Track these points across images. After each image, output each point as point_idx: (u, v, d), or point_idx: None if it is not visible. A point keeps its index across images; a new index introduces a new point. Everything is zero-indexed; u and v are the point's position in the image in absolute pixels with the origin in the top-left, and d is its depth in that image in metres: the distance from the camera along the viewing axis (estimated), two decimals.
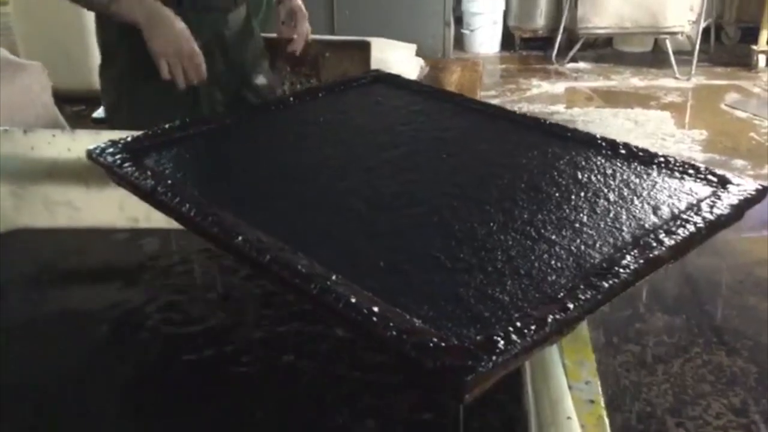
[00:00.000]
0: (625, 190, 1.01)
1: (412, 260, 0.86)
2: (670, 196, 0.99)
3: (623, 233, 0.90)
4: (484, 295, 0.78)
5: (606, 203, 0.97)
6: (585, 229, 0.92)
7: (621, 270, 0.81)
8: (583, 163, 1.10)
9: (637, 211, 0.95)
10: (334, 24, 4.76)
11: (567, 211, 0.96)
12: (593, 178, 1.05)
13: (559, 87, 5.01)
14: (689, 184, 1.03)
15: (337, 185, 1.06)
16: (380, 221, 0.96)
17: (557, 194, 1.01)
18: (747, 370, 2.35)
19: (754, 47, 5.10)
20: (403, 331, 0.71)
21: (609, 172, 1.07)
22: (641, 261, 0.83)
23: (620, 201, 0.98)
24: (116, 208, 1.37)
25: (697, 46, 5.06)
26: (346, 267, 0.82)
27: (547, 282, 0.81)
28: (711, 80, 5.06)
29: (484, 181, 1.08)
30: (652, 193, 1.00)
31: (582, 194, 1.00)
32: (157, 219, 1.28)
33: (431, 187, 1.06)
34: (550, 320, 0.73)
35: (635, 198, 0.99)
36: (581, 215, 0.95)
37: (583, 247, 0.87)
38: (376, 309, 0.74)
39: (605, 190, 1.01)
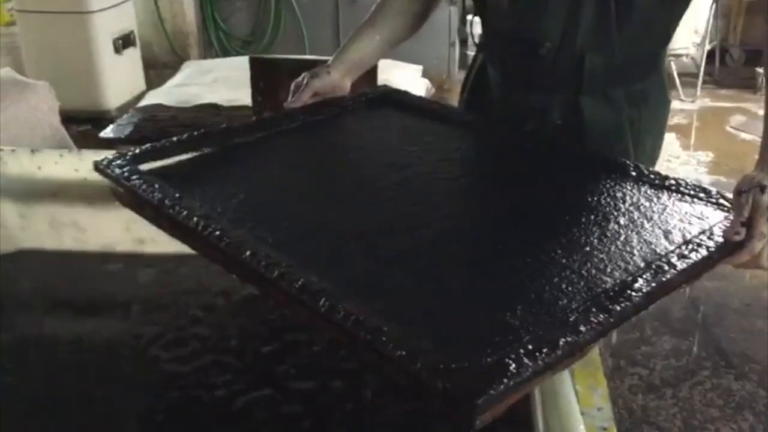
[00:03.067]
0: (636, 213, 1.00)
1: (421, 284, 0.85)
2: (681, 220, 0.98)
3: (634, 257, 0.89)
4: (494, 319, 0.77)
5: (617, 227, 0.96)
6: (595, 252, 0.91)
7: (633, 293, 0.80)
8: (593, 185, 1.09)
9: (648, 235, 0.94)
10: (340, 44, 4.77)
11: (577, 234, 0.95)
12: (603, 201, 1.04)
13: None
14: (700, 207, 1.02)
15: (345, 207, 1.05)
16: (388, 244, 0.94)
17: (567, 217, 1.00)
18: (756, 394, 2.32)
19: (759, 70, 5.10)
20: (413, 352, 0.70)
21: (619, 195, 1.06)
22: (653, 284, 0.82)
23: (631, 225, 0.97)
24: (122, 229, 1.37)
25: (702, 69, 5.07)
26: (352, 290, 0.80)
27: (558, 306, 0.80)
28: (716, 102, 5.06)
29: (493, 204, 1.08)
30: (662, 216, 0.99)
31: (592, 217, 0.99)
32: (163, 241, 1.27)
33: (440, 210, 1.05)
34: (561, 343, 0.72)
35: (645, 221, 0.98)
36: (592, 239, 0.94)
37: (594, 271, 0.86)
38: (385, 328, 0.72)
39: (615, 214, 1.00)
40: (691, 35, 5.00)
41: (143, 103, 2.76)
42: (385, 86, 1.49)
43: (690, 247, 0.90)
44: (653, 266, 0.86)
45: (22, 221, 1.39)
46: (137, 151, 1.12)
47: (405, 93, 1.45)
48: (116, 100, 4.38)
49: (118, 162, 1.08)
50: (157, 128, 2.53)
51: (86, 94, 4.26)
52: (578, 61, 1.25)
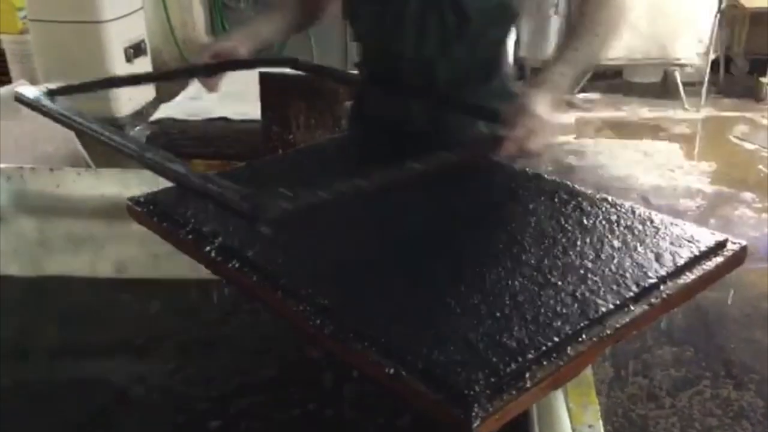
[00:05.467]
0: (629, 236, 1.05)
1: (421, 306, 0.90)
2: (672, 243, 1.03)
3: (626, 280, 0.94)
4: (493, 341, 0.82)
5: (610, 250, 1.01)
6: (590, 275, 0.95)
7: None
8: (589, 208, 1.14)
9: (641, 258, 0.99)
10: (347, 57, 4.83)
11: (573, 257, 1.00)
12: (598, 224, 1.09)
13: (569, 117, 5.04)
14: (691, 230, 1.06)
15: (345, 229, 1.09)
16: (389, 267, 0.99)
17: (564, 240, 1.04)
18: (755, 404, 2.35)
19: (763, 79, 5.12)
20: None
21: (614, 218, 1.10)
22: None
23: (624, 247, 1.02)
24: (138, 245, 1.42)
25: (707, 78, 5.10)
26: (353, 313, 0.86)
27: (552, 328, 0.85)
28: (720, 112, 5.08)
29: (492, 226, 1.12)
30: (655, 240, 1.04)
31: (588, 240, 1.04)
32: (178, 255, 1.32)
33: (440, 234, 1.09)
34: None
35: (639, 245, 1.02)
36: (586, 261, 0.98)
37: (587, 294, 0.91)
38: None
39: (609, 237, 1.05)
40: (695, 45, 5.03)
41: (155, 116, 2.81)
42: (295, 58, 1.58)
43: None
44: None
45: (40, 236, 1.44)
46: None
47: (317, 65, 1.59)
48: (127, 108, 4.45)
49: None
50: (167, 141, 2.59)
51: (98, 101, 4.30)
52: (430, 69, 1.41)
